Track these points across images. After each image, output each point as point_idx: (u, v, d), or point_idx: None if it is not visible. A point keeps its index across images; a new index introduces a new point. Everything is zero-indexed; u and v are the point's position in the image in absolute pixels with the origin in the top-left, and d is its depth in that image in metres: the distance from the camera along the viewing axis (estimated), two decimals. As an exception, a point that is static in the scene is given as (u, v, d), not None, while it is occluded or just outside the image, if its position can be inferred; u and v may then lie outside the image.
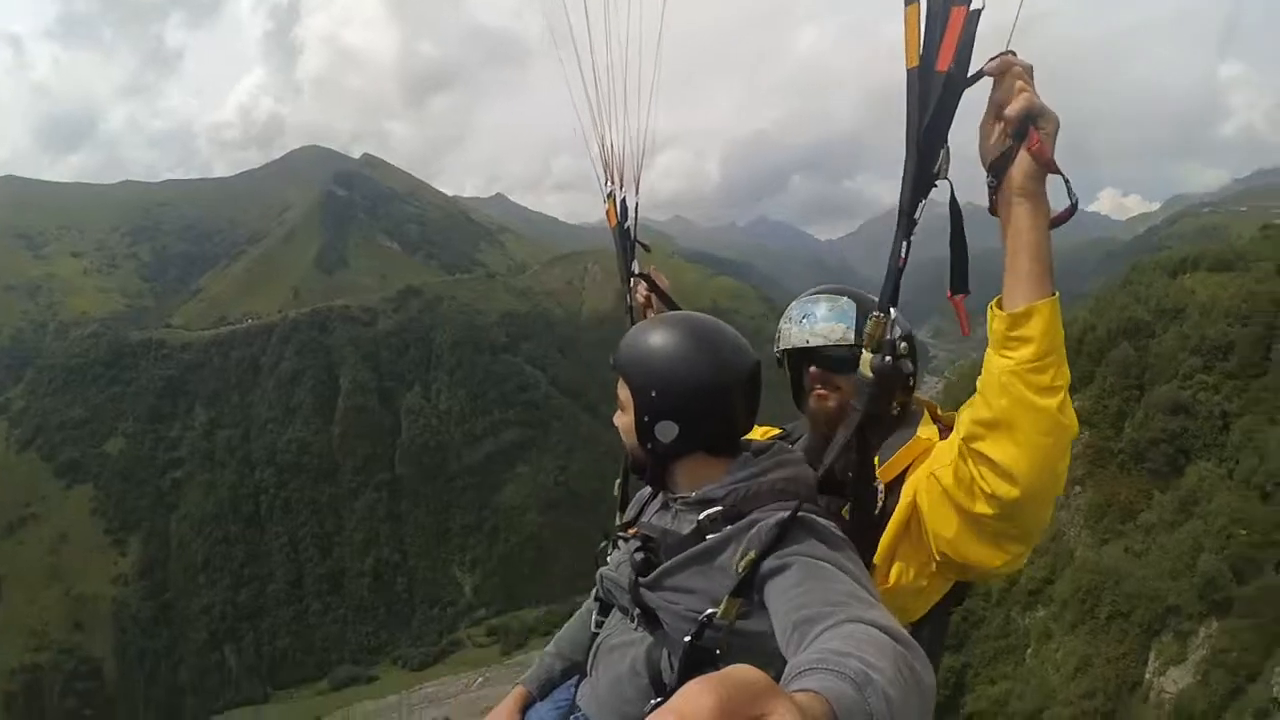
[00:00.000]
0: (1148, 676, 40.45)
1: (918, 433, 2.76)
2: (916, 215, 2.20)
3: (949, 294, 2.24)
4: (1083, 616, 44.28)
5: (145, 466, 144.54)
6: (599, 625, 2.65)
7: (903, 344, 2.68)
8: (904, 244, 2.24)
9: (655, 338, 2.37)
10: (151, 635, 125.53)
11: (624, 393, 2.42)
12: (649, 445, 2.36)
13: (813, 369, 2.93)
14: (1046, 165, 2.06)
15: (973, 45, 2.08)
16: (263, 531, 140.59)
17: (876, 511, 2.55)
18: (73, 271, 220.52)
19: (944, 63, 2.08)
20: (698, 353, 2.33)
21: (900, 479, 2.65)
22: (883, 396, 2.29)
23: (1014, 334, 2.11)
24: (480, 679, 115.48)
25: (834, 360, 2.87)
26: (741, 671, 0.90)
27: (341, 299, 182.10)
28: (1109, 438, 51.32)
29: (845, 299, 2.90)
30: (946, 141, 2.15)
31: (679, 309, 3.42)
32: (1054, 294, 2.11)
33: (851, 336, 2.81)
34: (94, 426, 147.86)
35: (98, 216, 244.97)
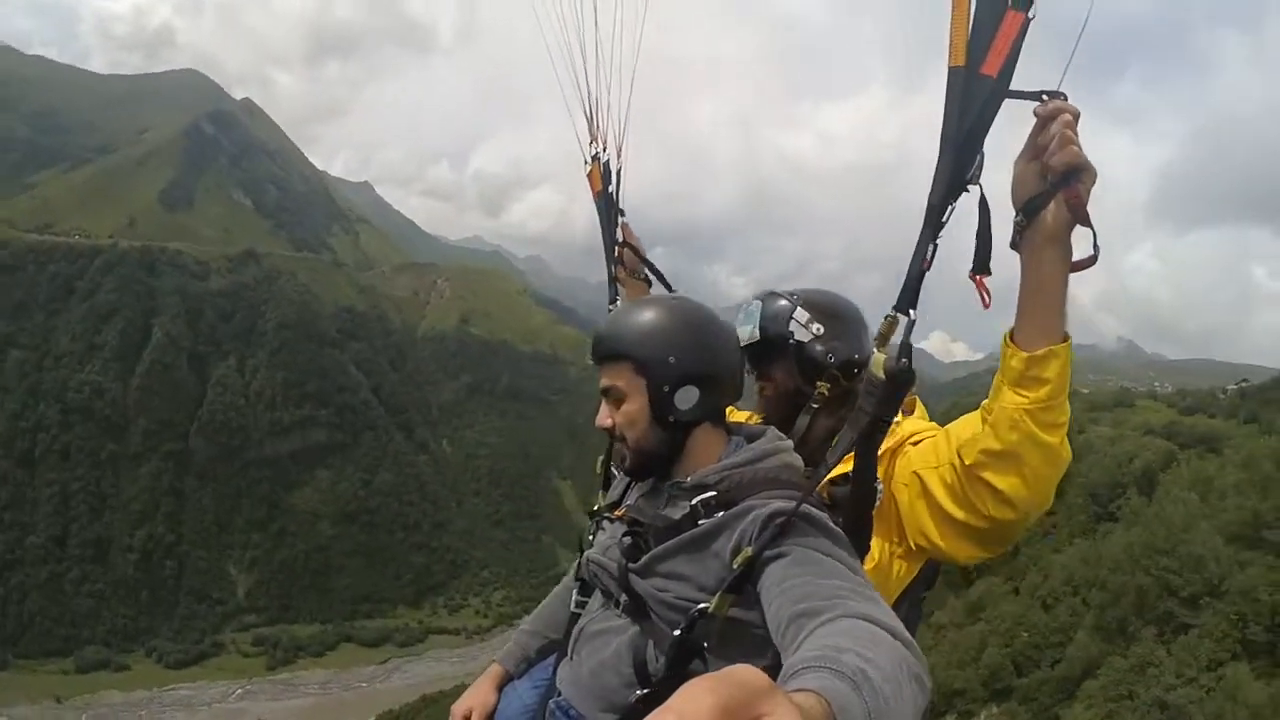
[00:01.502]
0: (934, 752, 43.77)
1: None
2: (945, 219, 2.15)
3: (970, 274, 2.21)
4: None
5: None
6: (579, 606, 2.61)
7: (815, 327, 2.94)
8: (930, 246, 2.17)
9: (650, 310, 2.38)
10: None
11: (622, 379, 2.35)
12: (671, 418, 2.34)
13: (749, 367, 3.10)
14: (1082, 220, 2.08)
15: (1019, 56, 2.02)
16: (33, 475, 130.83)
17: (874, 509, 2.54)
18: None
19: (993, 67, 2.01)
20: (696, 315, 2.37)
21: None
22: (893, 399, 2.25)
23: (1031, 374, 2.19)
24: (239, 690, 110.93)
25: (760, 356, 3.06)
26: (741, 671, 0.90)
27: (178, 242, 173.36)
28: (911, 549, 56.46)
29: (755, 301, 3.10)
30: (983, 147, 2.10)
31: (661, 276, 3.67)
32: (1069, 338, 2.19)
33: (758, 334, 3.02)
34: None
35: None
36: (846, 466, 2.52)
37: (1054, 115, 2.05)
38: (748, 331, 3.03)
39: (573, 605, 2.64)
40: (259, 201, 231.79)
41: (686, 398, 2.32)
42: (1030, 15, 2.00)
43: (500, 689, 2.80)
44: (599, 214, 3.75)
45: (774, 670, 1.25)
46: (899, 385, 2.23)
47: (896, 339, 2.22)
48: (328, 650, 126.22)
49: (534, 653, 2.86)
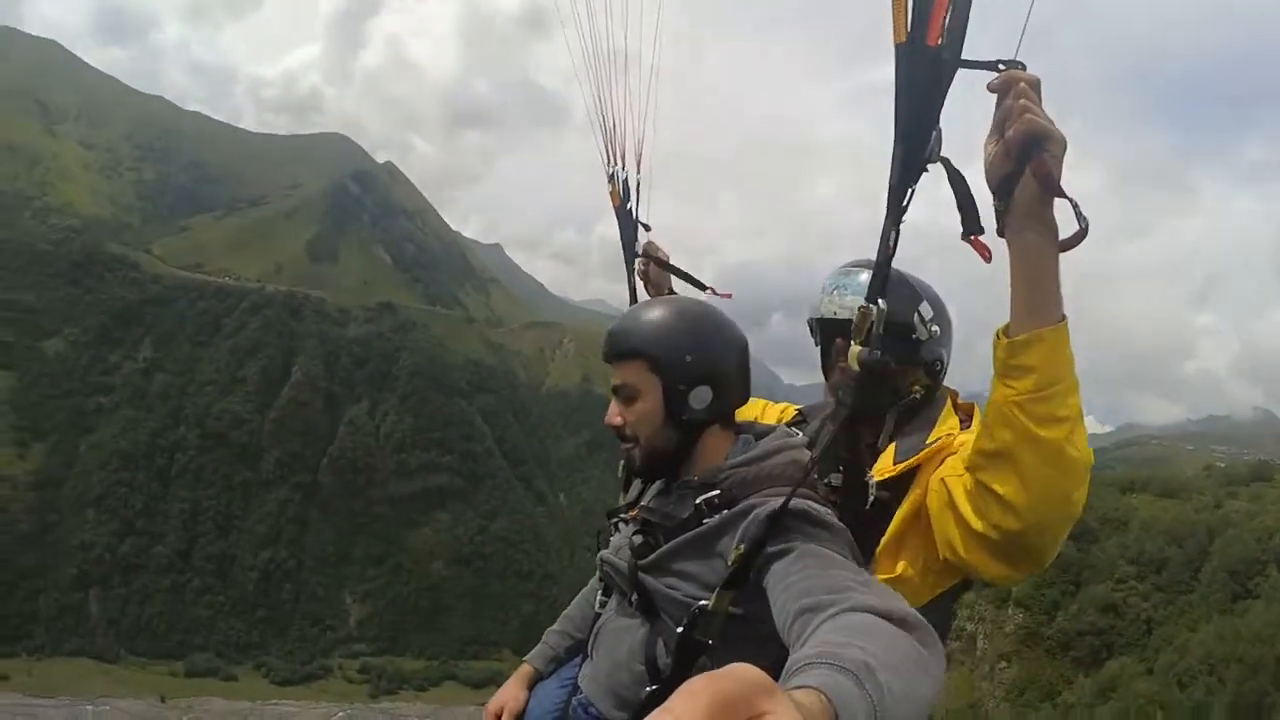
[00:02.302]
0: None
1: (939, 425, 2.75)
2: (905, 202, 2.10)
3: (962, 237, 2.10)
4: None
5: (76, 379, 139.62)
6: (602, 605, 2.64)
7: (934, 328, 2.81)
8: (893, 232, 2.14)
9: (665, 309, 2.41)
10: (23, 549, 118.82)
11: (636, 376, 2.35)
12: (684, 417, 2.34)
13: (839, 340, 2.96)
14: (1052, 190, 1.93)
15: (966, 23, 1.93)
16: (167, 489, 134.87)
17: (868, 505, 2.56)
18: (76, 160, 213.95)
19: (933, 37, 1.93)
20: (709, 317, 2.41)
21: (915, 468, 2.64)
22: (868, 391, 2.25)
23: (1015, 363, 2.06)
24: (341, 714, 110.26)
25: None
26: (740, 670, 0.89)
27: (320, 290, 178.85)
28: (1041, 623, 55.54)
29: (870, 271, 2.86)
30: (938, 124, 2.02)
31: (690, 276, 3.60)
32: (1060, 320, 2.04)
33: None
34: (38, 319, 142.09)
35: (120, 118, 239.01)
36: (884, 473, 2.61)
37: (1008, 86, 1.93)
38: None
39: (596, 605, 2.68)
40: (397, 257, 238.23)
41: (700, 397, 2.33)
42: None
43: (530, 688, 2.82)
44: (620, 228, 3.81)
45: (776, 667, 1.21)
46: (872, 376, 2.20)
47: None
48: (431, 686, 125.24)
49: (563, 652, 2.87)
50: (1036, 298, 2.03)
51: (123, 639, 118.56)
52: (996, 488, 2.14)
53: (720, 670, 0.89)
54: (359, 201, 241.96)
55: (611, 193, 3.82)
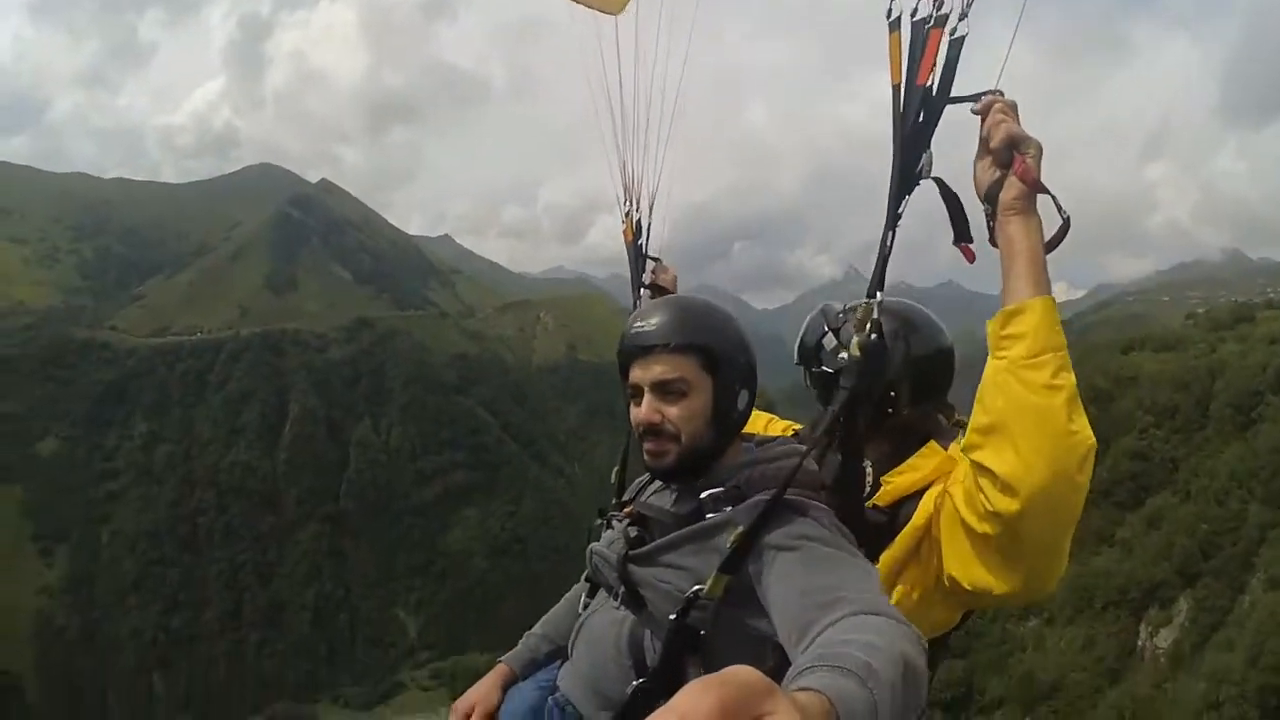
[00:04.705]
0: (1141, 642, 51.37)
1: (949, 451, 2.68)
2: (900, 210, 2.31)
3: (953, 242, 2.35)
4: (1080, 609, 54.71)
5: (79, 473, 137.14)
6: (585, 607, 2.59)
7: (842, 355, 2.61)
8: (890, 234, 2.32)
9: (710, 306, 2.35)
10: (77, 654, 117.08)
11: (691, 369, 2.23)
12: (733, 417, 2.31)
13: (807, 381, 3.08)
14: (1033, 185, 2.12)
15: (955, 68, 2.25)
16: (199, 556, 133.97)
17: (865, 492, 2.53)
18: (11, 258, 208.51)
19: (923, 78, 2.25)
20: (740, 323, 2.37)
21: (919, 495, 2.59)
22: (869, 373, 2.29)
23: (1006, 332, 2.10)
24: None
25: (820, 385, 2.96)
26: (742, 672, 0.90)
27: (290, 322, 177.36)
28: (1081, 480, 65.53)
29: (816, 313, 3.04)
30: (929, 147, 2.28)
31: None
32: (1048, 294, 2.12)
33: (796, 357, 3.02)
34: (26, 424, 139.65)
35: (42, 205, 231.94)
36: (906, 488, 2.63)
37: (988, 108, 2.21)
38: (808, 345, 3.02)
39: (580, 607, 2.64)
40: (356, 271, 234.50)
41: (744, 399, 2.32)
42: (952, 32, 2.23)
43: (505, 689, 2.73)
44: (629, 262, 4.01)
45: (774, 672, 1.20)
46: (871, 358, 2.30)
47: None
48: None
49: (542, 656, 2.80)
50: (1026, 273, 2.12)
51: (197, 712, 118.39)
52: (993, 465, 2.07)
53: (721, 672, 0.90)
54: (303, 225, 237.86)
55: (625, 230, 4.04)
